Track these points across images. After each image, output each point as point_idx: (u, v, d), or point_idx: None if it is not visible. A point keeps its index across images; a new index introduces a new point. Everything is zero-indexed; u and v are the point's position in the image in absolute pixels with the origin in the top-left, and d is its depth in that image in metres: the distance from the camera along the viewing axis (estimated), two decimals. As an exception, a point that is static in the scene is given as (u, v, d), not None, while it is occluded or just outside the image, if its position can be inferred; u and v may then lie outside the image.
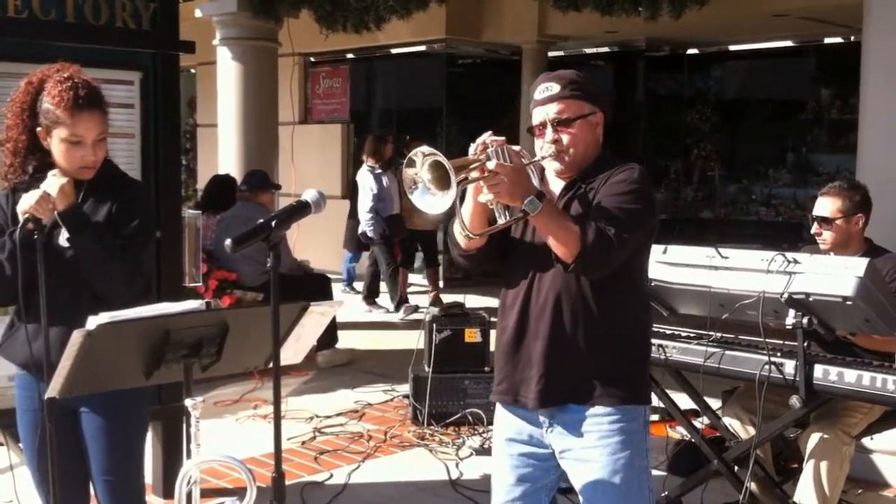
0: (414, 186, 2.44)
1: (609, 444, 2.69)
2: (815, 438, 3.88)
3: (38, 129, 2.87)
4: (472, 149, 2.56)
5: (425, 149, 2.41)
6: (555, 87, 2.73)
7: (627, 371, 2.73)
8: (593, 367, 2.68)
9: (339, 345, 7.55)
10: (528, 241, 2.75)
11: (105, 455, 2.96)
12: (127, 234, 2.91)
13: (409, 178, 2.44)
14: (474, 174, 2.50)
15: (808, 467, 3.89)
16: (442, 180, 2.40)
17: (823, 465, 3.85)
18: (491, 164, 2.48)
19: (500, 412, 2.88)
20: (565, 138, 2.71)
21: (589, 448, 2.70)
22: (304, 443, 5.52)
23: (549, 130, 2.72)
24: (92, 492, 3.06)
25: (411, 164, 2.43)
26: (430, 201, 2.43)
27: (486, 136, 2.56)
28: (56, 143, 2.86)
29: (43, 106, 2.85)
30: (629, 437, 2.71)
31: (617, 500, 2.71)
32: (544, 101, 2.74)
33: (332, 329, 7.30)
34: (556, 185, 2.79)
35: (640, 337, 2.81)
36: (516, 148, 2.62)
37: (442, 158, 2.37)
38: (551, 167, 2.76)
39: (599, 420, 2.69)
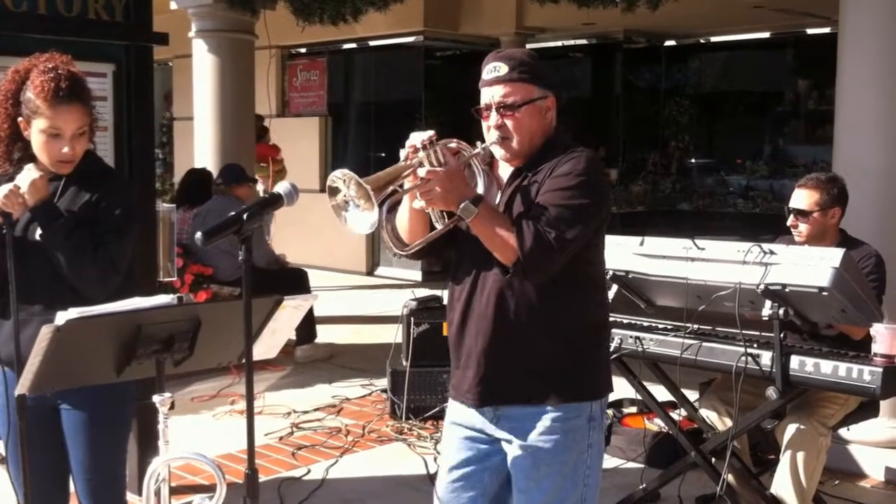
0: (345, 208, 2.34)
1: (546, 440, 2.64)
2: (791, 430, 3.89)
3: (20, 119, 2.83)
4: (402, 153, 2.45)
5: (344, 172, 2.30)
6: (503, 68, 2.59)
7: (571, 368, 2.64)
8: (535, 366, 2.62)
9: (317, 340, 7.52)
10: (472, 235, 2.61)
11: (85, 453, 2.93)
12: (106, 228, 2.88)
13: (339, 202, 2.34)
14: (408, 182, 2.41)
15: (784, 459, 3.89)
16: (367, 196, 2.30)
17: (800, 456, 3.86)
18: (422, 172, 2.39)
19: (452, 402, 2.84)
20: (510, 123, 2.58)
21: (526, 443, 2.66)
22: (281, 438, 5.49)
23: (493, 114, 2.59)
24: (72, 489, 3.02)
25: (334, 192, 2.32)
26: (364, 218, 2.32)
27: (416, 139, 2.44)
28: (35, 134, 2.82)
29: (25, 95, 2.81)
30: (571, 435, 2.65)
31: (546, 495, 2.68)
32: (491, 82, 2.60)
33: (310, 324, 7.28)
34: (506, 171, 2.67)
35: (590, 331, 2.68)
36: (452, 144, 2.52)
37: (360, 181, 2.27)
38: (497, 154, 2.65)
39: (540, 418, 2.64)
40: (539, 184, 2.56)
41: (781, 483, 3.89)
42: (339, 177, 2.32)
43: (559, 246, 2.45)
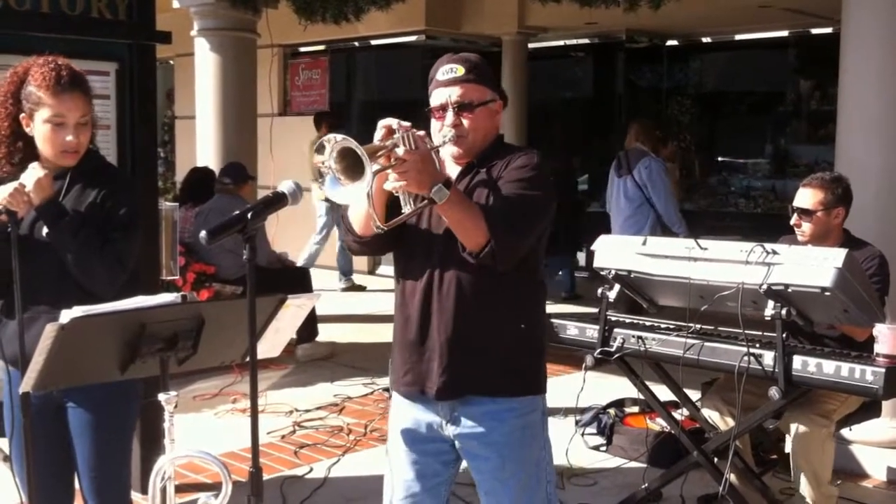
0: (321, 176, 2.37)
1: (509, 438, 2.68)
2: (793, 428, 3.91)
3: (22, 115, 2.84)
4: (377, 134, 2.48)
5: (336, 136, 2.33)
6: (459, 70, 2.65)
7: (527, 362, 2.73)
8: (495, 358, 2.66)
9: (319, 338, 7.52)
10: (424, 229, 2.67)
11: (91, 451, 2.93)
12: (112, 225, 2.88)
13: (317, 166, 2.36)
14: (380, 161, 2.42)
15: (793, 456, 3.96)
16: (350, 170, 2.32)
17: (805, 451, 3.89)
18: (400, 151, 2.41)
19: (399, 404, 2.82)
20: (466, 122, 2.64)
21: (488, 442, 2.68)
22: (283, 437, 5.49)
23: (449, 114, 2.65)
24: (77, 486, 3.03)
25: (321, 149, 2.35)
26: (341, 192, 2.35)
27: (392, 121, 2.48)
28: (39, 126, 2.83)
29: (26, 90, 2.83)
30: (529, 430, 2.72)
31: (514, 493, 2.71)
32: (448, 82, 2.66)
33: (312, 323, 7.28)
34: (452, 170, 2.71)
35: (537, 327, 2.78)
36: (421, 133, 2.56)
37: (354, 145, 2.29)
38: (448, 151, 2.68)
39: (499, 412, 2.67)
40: (496, 177, 2.63)
41: (800, 480, 3.96)
42: (337, 140, 2.34)
43: (526, 229, 2.56)
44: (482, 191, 2.62)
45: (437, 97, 2.68)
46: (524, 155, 2.67)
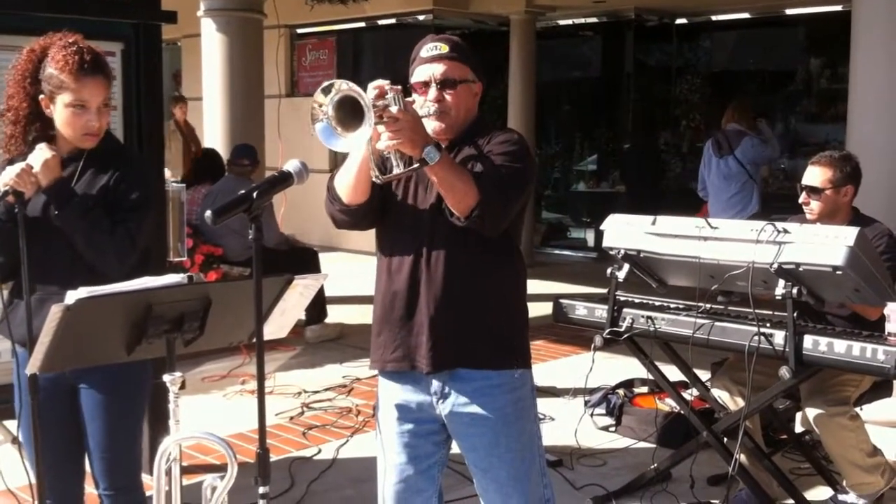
0: (317, 119, 2.37)
1: (501, 413, 2.70)
2: (811, 414, 3.89)
3: (41, 96, 2.83)
4: (369, 93, 2.46)
5: (344, 82, 2.34)
6: (443, 47, 2.70)
7: (514, 335, 2.76)
8: (485, 330, 2.68)
9: (328, 320, 7.52)
10: (410, 203, 2.69)
11: (102, 431, 2.93)
12: (126, 207, 2.88)
13: (317, 107, 2.36)
14: (374, 119, 2.41)
15: (830, 452, 3.98)
16: (346, 121, 2.34)
17: (830, 437, 3.88)
18: (394, 110, 2.41)
19: (387, 385, 2.82)
20: (449, 98, 2.68)
21: (481, 418, 2.69)
22: (292, 418, 5.50)
23: (432, 89, 2.67)
24: (88, 469, 3.03)
25: (327, 90, 2.36)
26: (340, 142, 2.37)
27: (385, 82, 2.48)
28: (60, 110, 2.82)
29: (46, 72, 2.81)
30: (520, 404, 2.74)
31: (510, 468, 2.73)
32: (432, 59, 2.69)
33: (320, 304, 7.28)
34: None
35: (520, 302, 2.82)
36: (409, 99, 2.57)
37: (359, 93, 2.30)
38: (430, 127, 2.66)
39: (490, 388, 2.68)
40: (478, 153, 2.65)
41: (845, 473, 3.98)
42: (344, 88, 2.34)
43: (513, 194, 2.60)
44: (470, 160, 2.64)
45: (421, 73, 2.71)
46: (506, 132, 2.73)
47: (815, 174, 4.07)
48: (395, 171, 2.53)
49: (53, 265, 2.83)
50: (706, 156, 7.88)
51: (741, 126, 7.69)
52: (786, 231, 3.48)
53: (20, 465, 3.00)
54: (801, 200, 4.11)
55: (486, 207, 2.50)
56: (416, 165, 2.48)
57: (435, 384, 2.71)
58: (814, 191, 4.06)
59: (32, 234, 2.76)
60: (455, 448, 2.87)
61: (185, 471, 2.61)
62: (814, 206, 4.07)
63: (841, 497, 4.12)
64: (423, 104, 2.67)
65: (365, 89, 2.38)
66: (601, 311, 4.07)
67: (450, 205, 2.54)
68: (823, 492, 4.32)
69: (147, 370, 2.96)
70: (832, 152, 4.20)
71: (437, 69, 2.67)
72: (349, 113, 2.34)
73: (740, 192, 7.64)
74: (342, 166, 2.66)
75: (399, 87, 2.48)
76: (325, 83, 2.37)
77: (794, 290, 3.46)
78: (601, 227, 4.07)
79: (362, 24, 12.56)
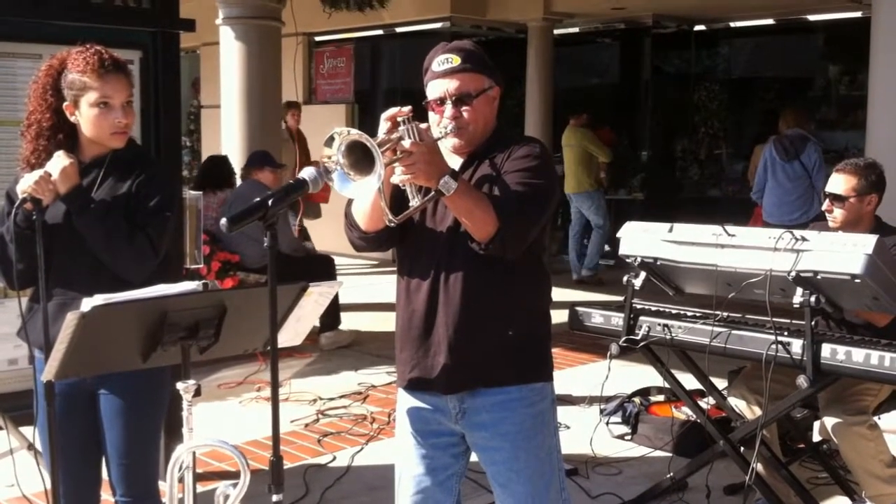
0: (330, 171, 2.32)
1: (520, 428, 2.66)
2: (834, 432, 3.84)
3: (65, 104, 2.85)
4: (382, 127, 2.44)
5: (345, 129, 2.29)
6: (455, 60, 2.61)
7: (534, 349, 2.71)
8: (502, 349, 2.64)
9: (342, 326, 7.53)
10: (429, 224, 2.64)
11: (121, 438, 2.94)
12: (147, 213, 2.89)
13: (322, 160, 2.32)
14: (387, 155, 2.38)
15: (848, 462, 3.91)
16: (359, 164, 2.28)
17: (849, 448, 3.83)
18: (406, 143, 2.37)
19: (406, 400, 2.79)
20: (466, 113, 2.60)
21: (500, 433, 2.66)
22: (307, 425, 5.50)
23: (448, 106, 2.60)
24: (105, 476, 3.04)
25: (329, 142, 2.31)
26: (351, 188, 2.31)
27: (395, 112, 2.44)
28: (85, 111, 2.84)
29: (68, 79, 2.84)
30: (540, 418, 2.70)
31: (528, 483, 2.69)
32: (444, 73, 2.61)
33: (335, 311, 7.29)
34: (453, 162, 2.64)
35: (543, 314, 2.78)
36: (424, 125, 2.52)
37: (365, 139, 2.25)
38: (448, 143, 2.64)
39: (510, 402, 2.65)
40: (499, 166, 2.60)
41: (866, 485, 3.91)
42: (348, 133, 2.30)
43: (534, 215, 2.55)
44: (487, 182, 2.59)
45: (435, 90, 2.64)
46: (526, 145, 2.63)
47: (840, 182, 4.04)
48: (412, 203, 2.49)
49: (77, 271, 2.84)
50: (768, 159, 8.00)
51: (804, 131, 7.87)
52: (804, 239, 3.46)
53: (36, 471, 3.01)
54: (823, 208, 4.09)
55: (506, 233, 2.46)
56: (431, 196, 2.46)
57: (453, 400, 2.69)
58: (837, 198, 4.03)
59: (56, 241, 2.79)
60: (473, 457, 2.86)
61: (200, 477, 2.62)
62: (837, 214, 4.04)
63: None
64: (440, 123, 2.62)
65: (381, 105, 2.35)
66: (617, 319, 4.05)
67: (469, 231, 2.50)
68: (841, 502, 4.28)
69: (166, 376, 2.96)
70: (857, 160, 4.16)
71: (451, 85, 2.60)
72: (361, 157, 2.29)
73: (803, 196, 7.80)
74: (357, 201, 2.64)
75: (408, 108, 2.44)
76: (327, 136, 2.32)
77: (812, 299, 3.44)
78: (618, 235, 4.05)
79: (380, 32, 12.59)
